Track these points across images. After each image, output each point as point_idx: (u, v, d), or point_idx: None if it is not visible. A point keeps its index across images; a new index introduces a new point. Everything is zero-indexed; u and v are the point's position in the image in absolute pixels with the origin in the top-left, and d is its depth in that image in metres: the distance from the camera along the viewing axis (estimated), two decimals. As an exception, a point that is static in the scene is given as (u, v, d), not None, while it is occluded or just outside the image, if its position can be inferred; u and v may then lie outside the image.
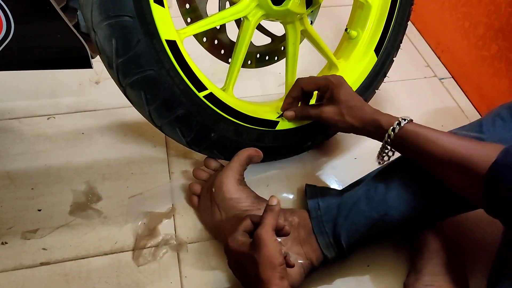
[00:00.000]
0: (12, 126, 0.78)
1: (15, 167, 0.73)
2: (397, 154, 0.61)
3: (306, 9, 0.65)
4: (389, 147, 0.59)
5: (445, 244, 0.60)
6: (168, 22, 0.54)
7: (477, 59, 0.90)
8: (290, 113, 0.68)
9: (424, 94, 0.96)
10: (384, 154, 0.60)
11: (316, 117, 0.66)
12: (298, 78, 0.68)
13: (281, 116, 0.70)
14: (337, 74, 0.77)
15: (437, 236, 0.61)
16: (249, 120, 0.66)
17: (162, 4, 0.52)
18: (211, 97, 0.60)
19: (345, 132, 0.68)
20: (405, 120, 0.55)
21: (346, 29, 0.80)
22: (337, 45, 0.84)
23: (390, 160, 0.63)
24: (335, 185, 0.76)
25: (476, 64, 0.91)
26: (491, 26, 0.85)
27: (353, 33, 0.79)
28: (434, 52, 1.06)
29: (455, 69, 0.99)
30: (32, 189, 0.70)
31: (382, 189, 0.60)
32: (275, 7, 0.62)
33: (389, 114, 0.59)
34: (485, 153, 0.47)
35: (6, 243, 0.63)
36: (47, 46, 0.56)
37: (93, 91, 0.87)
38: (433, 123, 0.85)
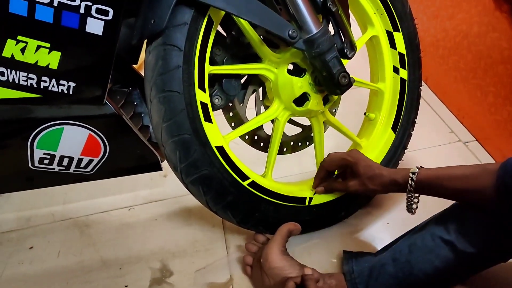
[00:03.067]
0: (103, 218, 0.99)
1: (106, 251, 0.91)
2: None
3: (324, 105, 0.81)
4: (412, 197, 0.69)
5: None
6: (216, 133, 0.72)
7: (493, 123, 0.99)
8: (320, 189, 0.82)
9: (450, 158, 1.04)
10: (411, 203, 0.70)
11: (344, 190, 0.79)
12: (322, 160, 0.82)
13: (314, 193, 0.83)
14: (361, 151, 0.90)
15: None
16: (286, 199, 0.80)
17: (210, 121, 0.71)
18: (253, 184, 0.76)
19: (373, 195, 0.80)
20: (415, 171, 0.66)
21: (365, 113, 0.94)
22: (360, 125, 0.98)
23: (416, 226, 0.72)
24: (371, 249, 0.85)
25: (492, 127, 0.99)
26: (498, 94, 0.95)
27: (372, 115, 0.93)
28: (456, 118, 1.16)
29: (477, 132, 1.08)
30: (120, 269, 0.87)
31: (406, 250, 0.69)
32: (298, 108, 0.78)
33: (403, 168, 0.71)
34: (489, 169, 0.57)
35: (101, 314, 0.79)
36: (129, 158, 0.76)
37: (162, 183, 1.07)
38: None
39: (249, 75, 0.84)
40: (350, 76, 0.73)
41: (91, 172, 0.74)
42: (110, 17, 0.55)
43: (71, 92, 0.60)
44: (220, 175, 0.71)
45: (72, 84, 0.59)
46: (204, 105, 0.69)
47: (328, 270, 0.82)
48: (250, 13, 0.64)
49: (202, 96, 0.69)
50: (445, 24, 1.10)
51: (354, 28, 0.77)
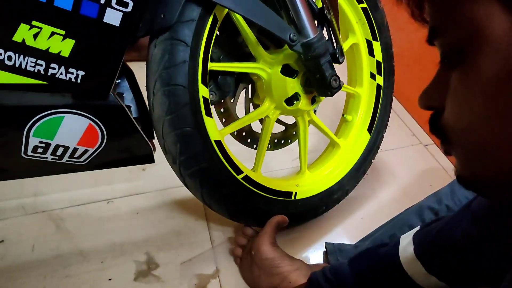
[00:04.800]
0: (80, 211, 0.96)
1: (86, 245, 0.89)
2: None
3: (311, 105, 0.87)
4: None
5: None
6: (215, 127, 0.74)
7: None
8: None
9: (413, 159, 1.15)
10: None
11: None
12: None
13: None
14: (339, 150, 0.97)
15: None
16: (275, 193, 0.84)
17: (211, 116, 0.73)
18: (246, 178, 0.79)
19: None
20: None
21: (343, 115, 1.01)
22: (337, 126, 1.04)
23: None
24: (347, 241, 0.92)
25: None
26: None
27: (349, 117, 1.00)
28: (417, 123, 1.27)
29: (435, 137, 1.19)
30: (102, 262, 0.86)
31: (387, 241, 0.76)
32: (288, 107, 0.83)
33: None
34: None
35: (86, 308, 0.78)
36: (124, 149, 0.76)
37: (141, 176, 1.06)
38: (423, 183, 1.03)
39: (239, 73, 0.87)
40: (340, 79, 0.78)
41: (84, 163, 0.72)
42: (129, 9, 0.55)
43: (78, 81, 0.59)
44: (217, 168, 0.73)
45: (81, 72, 0.59)
46: (205, 100, 0.71)
47: (310, 261, 0.87)
48: (256, 15, 0.67)
49: (204, 91, 0.71)
50: (411, 36, 1.20)
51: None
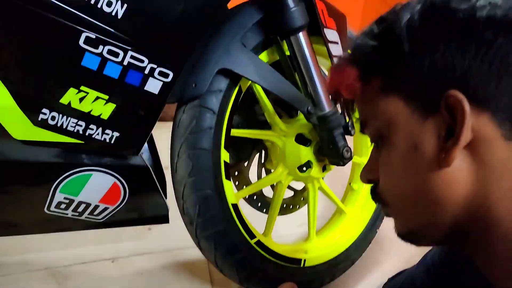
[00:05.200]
0: (83, 270, 0.94)
1: (87, 306, 0.87)
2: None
3: (322, 173, 0.90)
4: None
5: None
6: (232, 191, 0.76)
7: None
8: None
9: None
10: None
11: None
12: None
13: None
14: (345, 218, 0.99)
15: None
16: (285, 259, 0.84)
17: (229, 179, 0.76)
18: (259, 243, 0.80)
19: None
20: None
21: (349, 183, 1.04)
22: (343, 194, 1.07)
23: None
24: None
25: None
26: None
27: (355, 186, 1.04)
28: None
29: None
30: (104, 325, 0.83)
31: None
32: (300, 174, 0.86)
33: None
34: None
35: None
36: (142, 209, 0.77)
37: (147, 236, 1.06)
38: (424, 251, 1.04)
39: (254, 139, 0.91)
40: (352, 151, 0.83)
41: (101, 220, 0.73)
42: (169, 79, 0.60)
43: (112, 142, 0.63)
44: (232, 232, 0.75)
45: (116, 134, 0.62)
46: (226, 164, 0.74)
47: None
48: (278, 88, 0.73)
49: (225, 156, 0.74)
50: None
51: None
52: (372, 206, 1.01)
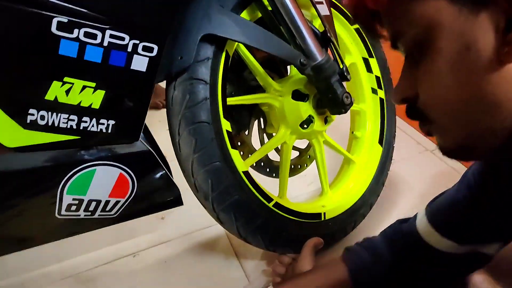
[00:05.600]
0: (107, 270, 0.93)
1: (120, 304, 0.86)
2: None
3: (325, 125, 0.89)
4: None
5: None
6: (240, 159, 0.75)
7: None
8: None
9: (423, 166, 1.17)
10: None
11: None
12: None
13: None
14: (355, 166, 0.99)
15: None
16: (305, 216, 0.83)
17: (235, 148, 0.74)
18: (277, 205, 0.79)
19: None
20: None
21: (352, 132, 1.03)
22: (347, 143, 1.06)
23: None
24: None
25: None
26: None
27: (358, 133, 1.02)
28: (419, 132, 1.31)
29: (440, 140, 1.23)
30: (141, 318, 0.82)
31: None
32: (304, 131, 0.84)
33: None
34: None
35: None
36: (153, 195, 0.75)
37: (162, 225, 1.04)
38: (437, 186, 1.05)
39: (250, 107, 0.89)
40: (351, 96, 0.81)
41: (115, 215, 0.72)
42: (154, 53, 0.57)
43: (109, 131, 0.60)
44: (249, 199, 0.73)
45: (111, 122, 0.60)
46: (229, 133, 0.72)
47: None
48: (267, 45, 0.71)
49: (226, 125, 0.72)
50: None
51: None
52: (378, 149, 1.00)
